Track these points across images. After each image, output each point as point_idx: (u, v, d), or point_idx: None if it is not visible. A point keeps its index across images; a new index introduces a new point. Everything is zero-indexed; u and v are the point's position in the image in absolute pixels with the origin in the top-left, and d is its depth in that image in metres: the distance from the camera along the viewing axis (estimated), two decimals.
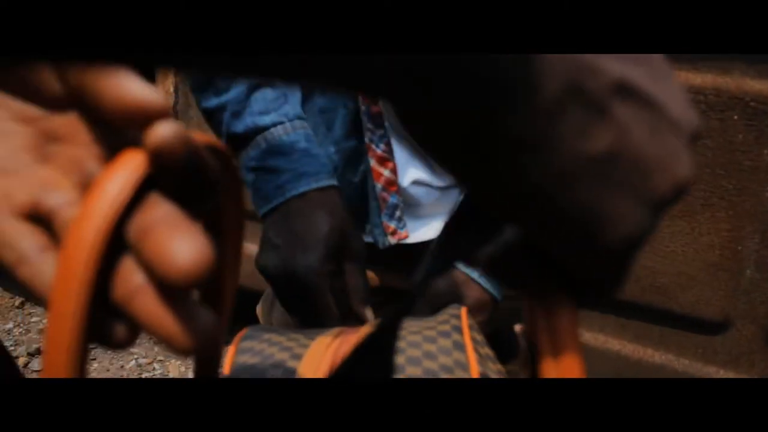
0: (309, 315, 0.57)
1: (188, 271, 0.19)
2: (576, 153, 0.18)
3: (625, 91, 0.19)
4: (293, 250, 0.55)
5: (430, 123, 0.18)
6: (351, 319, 0.55)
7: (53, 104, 0.24)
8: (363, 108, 0.67)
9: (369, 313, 0.58)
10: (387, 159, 0.68)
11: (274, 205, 0.58)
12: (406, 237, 0.69)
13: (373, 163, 0.67)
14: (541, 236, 0.20)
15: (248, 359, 0.37)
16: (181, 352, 0.21)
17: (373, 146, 0.68)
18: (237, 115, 0.60)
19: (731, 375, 1.10)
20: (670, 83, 0.20)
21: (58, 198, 0.24)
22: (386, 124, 0.67)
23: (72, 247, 0.20)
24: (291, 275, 0.56)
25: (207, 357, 0.25)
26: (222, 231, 0.26)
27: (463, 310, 0.40)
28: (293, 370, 0.34)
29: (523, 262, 0.22)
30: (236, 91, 0.60)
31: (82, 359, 0.21)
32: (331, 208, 0.58)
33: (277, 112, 0.60)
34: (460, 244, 0.22)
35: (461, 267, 0.66)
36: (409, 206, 0.70)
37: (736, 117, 0.99)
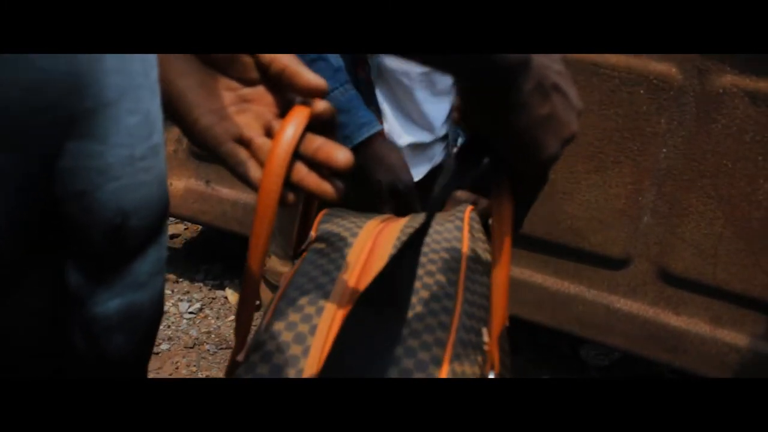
0: (398, 211, 0.86)
1: (346, 163, 0.40)
2: (535, 113, 0.36)
3: (556, 87, 0.37)
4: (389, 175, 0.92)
5: (475, 94, 0.36)
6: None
7: (249, 82, 0.42)
8: (360, 77, 0.94)
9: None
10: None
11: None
12: None
13: None
14: (512, 153, 0.38)
15: (328, 227, 0.53)
16: (328, 197, 0.41)
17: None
18: None
19: (630, 303, 1.31)
20: (568, 79, 0.40)
21: (253, 133, 0.42)
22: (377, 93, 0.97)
23: (273, 158, 0.39)
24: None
25: (336, 201, 0.43)
26: None
27: (469, 208, 0.59)
28: (351, 243, 0.49)
29: (490, 178, 0.41)
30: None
31: (273, 217, 0.40)
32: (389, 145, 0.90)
33: (332, 79, 0.86)
34: (463, 169, 0.39)
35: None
36: None
37: (642, 91, 1.21)
